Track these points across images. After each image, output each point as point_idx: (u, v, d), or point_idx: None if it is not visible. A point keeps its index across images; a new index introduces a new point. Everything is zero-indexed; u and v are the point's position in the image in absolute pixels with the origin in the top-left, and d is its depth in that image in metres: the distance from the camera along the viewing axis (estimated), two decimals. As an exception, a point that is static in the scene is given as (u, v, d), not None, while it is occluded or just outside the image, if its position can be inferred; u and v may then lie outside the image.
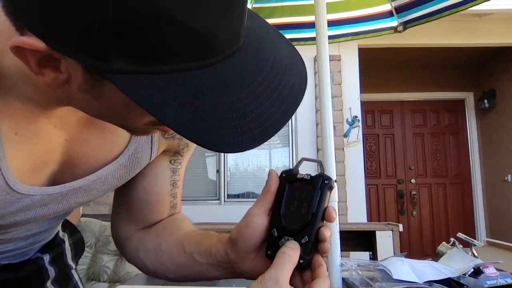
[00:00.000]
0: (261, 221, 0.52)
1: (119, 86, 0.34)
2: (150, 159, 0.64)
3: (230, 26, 0.37)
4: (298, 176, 0.52)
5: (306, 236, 0.49)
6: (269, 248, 0.51)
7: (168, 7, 0.32)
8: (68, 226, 0.85)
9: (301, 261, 0.49)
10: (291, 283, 0.48)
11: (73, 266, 0.83)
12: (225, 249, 0.57)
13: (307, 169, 0.50)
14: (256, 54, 0.41)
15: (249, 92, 0.38)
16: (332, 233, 0.52)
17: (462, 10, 1.75)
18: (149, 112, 0.35)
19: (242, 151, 0.39)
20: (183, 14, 0.33)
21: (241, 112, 0.38)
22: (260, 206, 0.53)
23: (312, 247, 0.50)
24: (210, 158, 4.45)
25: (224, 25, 0.36)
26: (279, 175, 0.54)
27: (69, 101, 0.44)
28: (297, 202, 0.51)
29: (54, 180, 0.55)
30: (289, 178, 0.53)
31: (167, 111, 0.35)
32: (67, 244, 0.82)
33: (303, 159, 0.55)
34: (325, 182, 0.51)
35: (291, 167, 0.54)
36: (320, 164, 0.54)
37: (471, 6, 1.72)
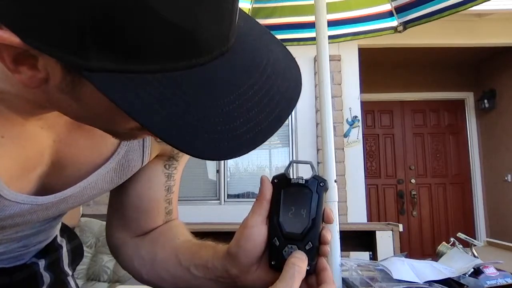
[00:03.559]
0: (261, 232, 0.50)
1: (96, 84, 0.32)
2: (142, 164, 0.63)
3: (218, 25, 0.34)
4: (292, 180, 0.50)
5: (310, 242, 0.49)
6: (272, 258, 0.50)
7: (151, 1, 0.30)
8: (67, 232, 0.83)
9: (308, 268, 0.48)
10: None
11: (70, 272, 0.81)
12: (223, 265, 0.54)
13: (299, 168, 0.48)
14: (247, 56, 0.39)
15: (238, 96, 0.36)
16: (332, 234, 0.52)
17: (462, 10, 1.75)
18: (127, 113, 0.32)
19: (228, 159, 0.36)
20: (168, 10, 0.31)
21: (229, 117, 0.35)
22: (257, 216, 0.50)
23: (316, 252, 0.49)
24: (210, 158, 4.45)
25: (212, 24, 0.34)
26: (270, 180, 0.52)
27: (50, 104, 0.41)
28: (295, 208, 0.50)
29: (43, 183, 0.54)
30: (282, 183, 0.51)
31: (148, 112, 0.33)
32: (64, 250, 0.80)
33: (293, 162, 0.54)
34: (321, 184, 0.50)
35: None
36: (311, 165, 0.52)
37: (471, 6, 1.72)
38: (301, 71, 0.44)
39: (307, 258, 0.48)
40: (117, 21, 0.30)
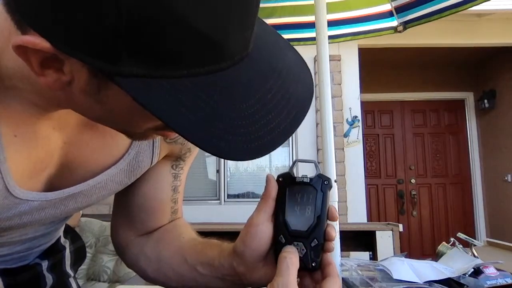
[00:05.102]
0: (267, 229, 0.51)
1: (127, 90, 0.33)
2: (151, 164, 0.63)
3: (242, 33, 0.36)
4: (297, 179, 0.51)
5: (315, 239, 0.50)
6: (278, 255, 0.50)
7: (183, 11, 0.31)
8: (71, 233, 0.84)
9: (313, 264, 0.49)
10: (302, 283, 0.48)
11: (72, 274, 0.81)
12: (229, 263, 0.55)
13: (300, 167, 0.49)
14: (264, 61, 0.40)
15: (258, 99, 0.38)
16: (336, 232, 0.52)
17: (462, 10, 1.75)
18: (157, 117, 0.34)
19: (250, 160, 0.38)
20: (198, 19, 0.32)
21: (250, 120, 0.37)
22: (262, 214, 0.51)
23: (321, 249, 0.50)
24: (210, 158, 4.45)
25: (237, 32, 0.35)
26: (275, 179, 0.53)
27: (69, 104, 0.42)
28: (300, 206, 0.51)
29: (51, 184, 0.54)
30: (287, 181, 0.52)
31: (176, 116, 0.34)
32: (67, 251, 0.81)
33: (297, 160, 0.55)
34: (325, 183, 0.51)
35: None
36: (315, 164, 0.54)
37: (471, 6, 1.72)
38: None
39: (296, 251, 0.49)
40: (151, 30, 0.31)
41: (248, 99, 0.37)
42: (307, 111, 0.41)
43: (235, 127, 0.36)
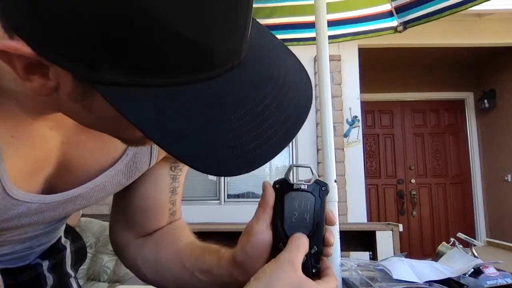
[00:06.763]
0: (267, 238, 0.50)
1: (107, 97, 0.32)
2: (149, 165, 0.63)
3: (231, 40, 0.34)
4: (294, 186, 0.51)
5: (315, 246, 0.49)
6: None
7: (165, 17, 0.30)
8: (71, 233, 0.84)
9: (313, 271, 0.49)
10: None
11: (72, 274, 0.81)
12: (229, 273, 0.55)
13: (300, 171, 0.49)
14: (259, 69, 0.38)
15: (248, 110, 0.35)
16: (335, 236, 0.52)
17: (462, 10, 1.75)
18: (136, 127, 0.32)
19: (236, 175, 0.35)
20: (185, 27, 0.30)
21: (239, 132, 0.35)
22: (262, 222, 0.50)
23: (321, 255, 0.50)
24: (210, 158, 4.44)
25: (226, 39, 0.33)
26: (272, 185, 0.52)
27: (60, 109, 0.42)
28: (298, 213, 0.50)
29: (50, 184, 0.54)
30: (284, 188, 0.51)
31: (157, 127, 0.33)
32: (68, 251, 0.81)
33: (293, 165, 0.55)
34: (323, 188, 0.51)
35: None
36: (311, 169, 0.53)
37: (471, 6, 1.72)
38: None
39: (306, 237, 0.49)
40: (132, 36, 0.30)
41: (237, 110, 0.35)
42: (303, 123, 0.39)
43: (222, 139, 0.34)
